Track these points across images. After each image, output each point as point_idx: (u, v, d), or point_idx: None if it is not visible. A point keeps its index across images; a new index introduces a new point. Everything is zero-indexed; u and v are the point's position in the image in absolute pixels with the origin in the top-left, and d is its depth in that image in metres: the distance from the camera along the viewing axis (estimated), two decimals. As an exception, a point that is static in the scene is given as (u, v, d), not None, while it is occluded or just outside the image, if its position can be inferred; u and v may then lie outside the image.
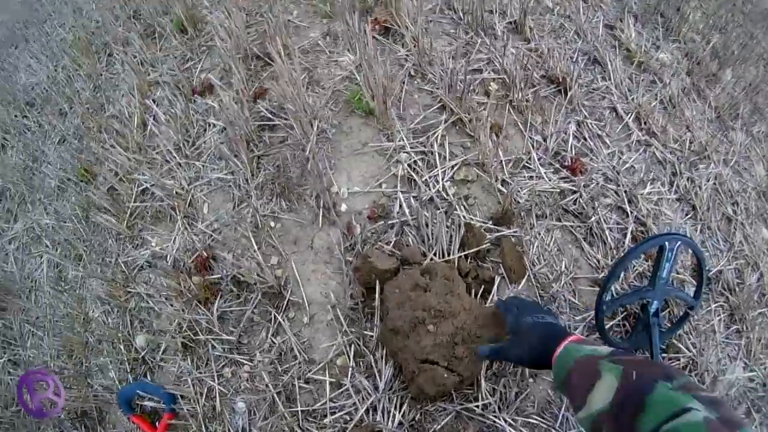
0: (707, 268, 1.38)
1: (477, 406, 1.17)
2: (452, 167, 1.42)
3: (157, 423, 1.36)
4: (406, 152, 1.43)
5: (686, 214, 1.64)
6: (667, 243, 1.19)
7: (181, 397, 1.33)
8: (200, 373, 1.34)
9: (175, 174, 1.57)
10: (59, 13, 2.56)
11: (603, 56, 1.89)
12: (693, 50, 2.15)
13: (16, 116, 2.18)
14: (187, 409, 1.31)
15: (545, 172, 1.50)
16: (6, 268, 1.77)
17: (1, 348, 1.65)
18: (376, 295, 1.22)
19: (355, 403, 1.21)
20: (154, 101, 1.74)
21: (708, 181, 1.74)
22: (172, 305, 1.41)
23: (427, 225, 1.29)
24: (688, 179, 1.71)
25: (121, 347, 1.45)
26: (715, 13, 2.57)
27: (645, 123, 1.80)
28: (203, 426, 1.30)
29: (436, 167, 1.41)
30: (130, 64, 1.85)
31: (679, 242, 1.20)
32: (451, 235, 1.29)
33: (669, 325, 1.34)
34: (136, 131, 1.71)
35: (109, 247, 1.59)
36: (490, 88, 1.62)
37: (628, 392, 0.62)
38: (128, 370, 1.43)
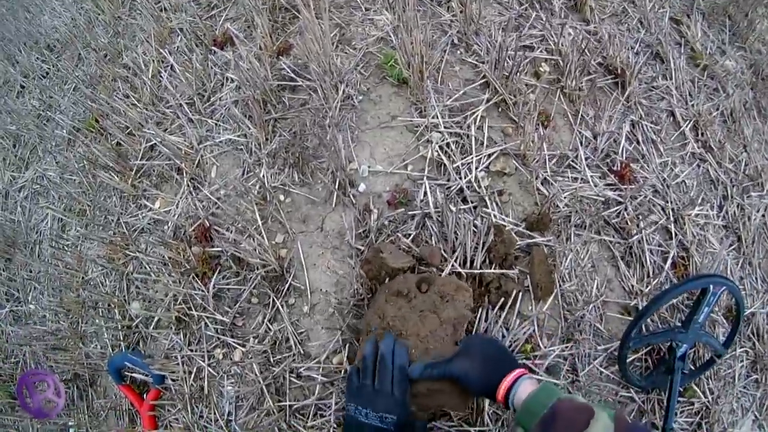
0: (745, 315, 1.13)
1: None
2: (489, 156, 1.14)
3: (144, 395, 1.17)
4: (439, 132, 1.14)
5: (730, 245, 1.35)
6: (711, 286, 1.01)
7: (170, 373, 1.11)
8: (191, 350, 1.13)
9: (186, 131, 1.32)
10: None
11: (666, 52, 1.53)
12: (758, 62, 1.75)
13: (36, 59, 1.93)
14: (175, 388, 1.11)
15: (591, 176, 1.21)
16: (14, 218, 1.56)
17: (5, 299, 1.46)
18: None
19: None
20: (170, 51, 1.46)
21: (758, 211, 1.42)
22: (169, 275, 1.18)
23: (453, 223, 1.01)
24: (738, 206, 1.40)
25: (116, 312, 1.26)
26: None
27: (702, 134, 1.47)
28: (189, 406, 1.10)
29: (471, 153, 1.12)
30: (150, 9, 1.56)
31: (724, 287, 1.02)
32: (476, 235, 1.00)
33: (692, 368, 1.13)
34: (150, 82, 1.45)
35: (112, 206, 1.36)
36: (540, 69, 1.30)
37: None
38: (121, 338, 1.24)
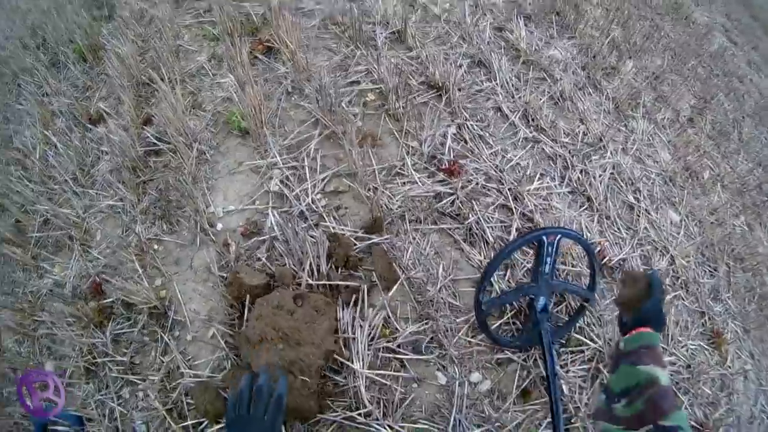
0: (598, 258, 1.25)
1: (360, 415, 1.08)
2: (323, 179, 1.36)
3: (70, 448, 1.31)
4: (279, 168, 1.36)
5: (581, 206, 1.54)
6: (545, 237, 1.06)
7: (88, 420, 1.27)
8: (102, 395, 1.28)
9: (72, 203, 1.49)
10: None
11: (488, 58, 1.80)
12: (590, 45, 2.05)
13: None
14: None
15: (419, 177, 1.44)
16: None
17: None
18: (245, 311, 1.17)
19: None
20: (53, 133, 1.63)
21: (604, 171, 1.64)
22: (73, 330, 1.34)
23: (294, 239, 1.23)
24: (581, 171, 1.62)
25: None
26: (618, 9, 2.47)
27: (533, 120, 1.71)
28: (109, 446, 1.25)
29: (307, 180, 1.34)
30: (34, 94, 1.72)
31: (558, 235, 1.07)
32: (315, 245, 1.23)
33: (567, 319, 1.23)
34: (39, 162, 1.61)
35: (17, 278, 1.51)
36: (367, 98, 1.54)
37: None
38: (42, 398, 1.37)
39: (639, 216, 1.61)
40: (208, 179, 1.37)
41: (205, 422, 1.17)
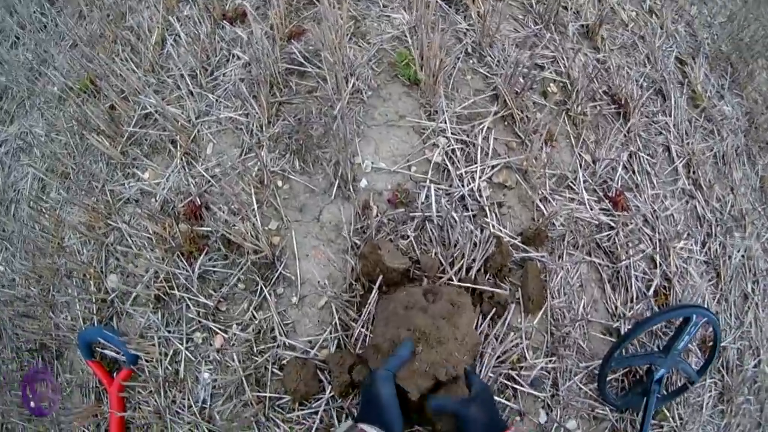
0: (720, 347, 1.17)
1: None
2: (492, 167, 1.13)
3: (114, 374, 1.11)
4: (446, 137, 1.13)
5: (709, 280, 1.39)
6: (694, 316, 1.04)
7: (145, 354, 1.06)
8: (169, 331, 1.07)
9: (185, 103, 1.25)
10: None
11: (669, 90, 1.57)
12: (754, 111, 1.83)
13: (35, 11, 1.81)
14: (149, 370, 1.06)
15: (588, 199, 1.22)
16: (-9, 172, 1.46)
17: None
18: (373, 294, 0.95)
19: (328, 402, 0.96)
20: (178, 19, 1.39)
21: (738, 251, 1.48)
22: (152, 251, 1.12)
23: (452, 227, 1.01)
24: (720, 244, 1.44)
25: (91, 284, 1.18)
26: None
27: (694, 173, 1.51)
28: (162, 389, 1.05)
29: (476, 162, 1.11)
30: (161, -27, 1.49)
31: (706, 318, 1.05)
32: (475, 245, 1.01)
33: (665, 392, 1.16)
34: (152, 48, 1.38)
35: (98, 172, 1.28)
36: (549, 89, 1.31)
37: None
38: (94, 311, 1.16)
39: (749, 309, 1.45)
40: (360, 124, 1.13)
41: (286, 399, 0.96)
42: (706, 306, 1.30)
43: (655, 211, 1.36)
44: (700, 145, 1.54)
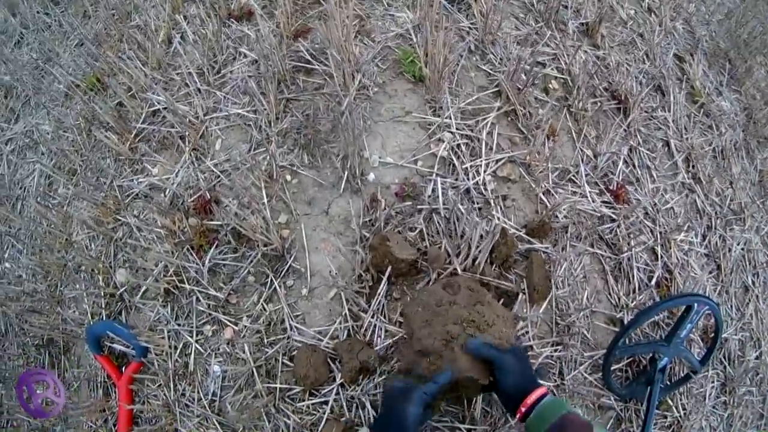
0: (721, 337, 1.21)
1: (465, 429, 0.97)
2: (497, 161, 1.17)
3: (123, 368, 1.13)
4: (451, 132, 1.17)
5: (710, 272, 1.44)
6: (696, 305, 1.07)
7: (155, 347, 1.09)
8: (179, 324, 1.10)
9: (193, 100, 1.29)
10: None
11: (668, 86, 1.62)
12: (752, 107, 1.89)
13: (38, 12, 1.84)
14: (158, 362, 1.08)
15: (590, 191, 1.26)
16: (-2, 170, 1.48)
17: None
18: (382, 284, 0.98)
19: (338, 392, 0.98)
20: (185, 17, 1.43)
21: (738, 244, 1.52)
22: (162, 245, 1.15)
23: (458, 219, 1.05)
24: (720, 237, 1.49)
25: (100, 279, 1.21)
26: None
27: (693, 167, 1.56)
28: (172, 383, 1.07)
29: (481, 156, 1.15)
30: (167, -28, 1.52)
31: (707, 307, 1.08)
32: (480, 236, 1.04)
33: (668, 382, 1.20)
34: (159, 46, 1.41)
35: (106, 167, 1.31)
36: (550, 86, 1.35)
37: None
38: (103, 306, 1.19)
39: (750, 301, 1.49)
40: (367, 120, 1.17)
41: (296, 390, 0.99)
42: (711, 297, 1.33)
43: (655, 204, 1.40)
44: (699, 139, 1.59)
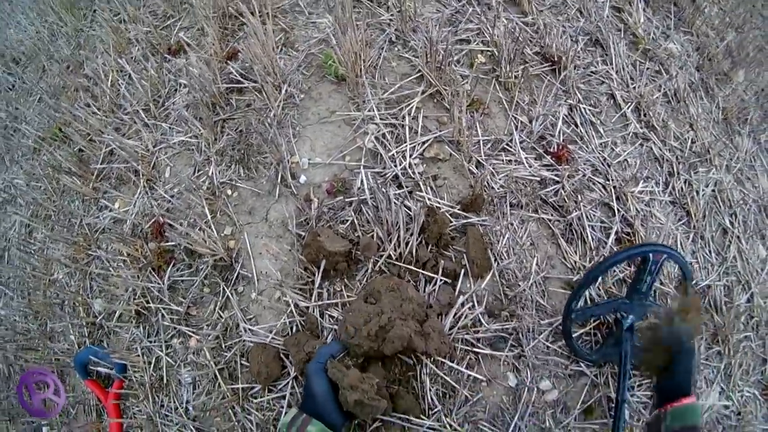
0: (693, 284, 1.18)
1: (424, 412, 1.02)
2: (423, 143, 1.22)
3: (109, 388, 1.25)
4: (375, 123, 1.23)
5: (679, 220, 1.42)
6: (651, 255, 1.01)
7: (132, 365, 1.20)
8: (150, 341, 1.21)
9: (142, 135, 1.41)
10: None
11: (606, 38, 1.62)
12: (705, 45, 1.85)
13: (2, 72, 2.04)
14: (136, 378, 1.19)
15: (526, 157, 1.29)
16: (-17, 226, 1.66)
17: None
18: (317, 277, 1.06)
19: (293, 386, 1.06)
20: (127, 61, 1.56)
21: (707, 186, 1.50)
22: (128, 271, 1.27)
23: (389, 207, 1.10)
24: (685, 182, 1.47)
25: (81, 310, 1.35)
26: (733, 11, 2.23)
27: (645, 115, 1.55)
28: (150, 395, 1.18)
29: (406, 142, 1.21)
30: (109, 21, 1.66)
31: (665, 255, 1.02)
32: (410, 218, 1.10)
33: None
34: (110, 91, 1.55)
35: (75, 209, 1.45)
36: (476, 60, 1.39)
37: None
38: (86, 334, 1.33)
39: (731, 243, 1.46)
40: (295, 126, 1.26)
41: (257, 387, 1.07)
42: (674, 248, 1.29)
43: (605, 159, 1.40)
44: (648, 87, 1.58)
